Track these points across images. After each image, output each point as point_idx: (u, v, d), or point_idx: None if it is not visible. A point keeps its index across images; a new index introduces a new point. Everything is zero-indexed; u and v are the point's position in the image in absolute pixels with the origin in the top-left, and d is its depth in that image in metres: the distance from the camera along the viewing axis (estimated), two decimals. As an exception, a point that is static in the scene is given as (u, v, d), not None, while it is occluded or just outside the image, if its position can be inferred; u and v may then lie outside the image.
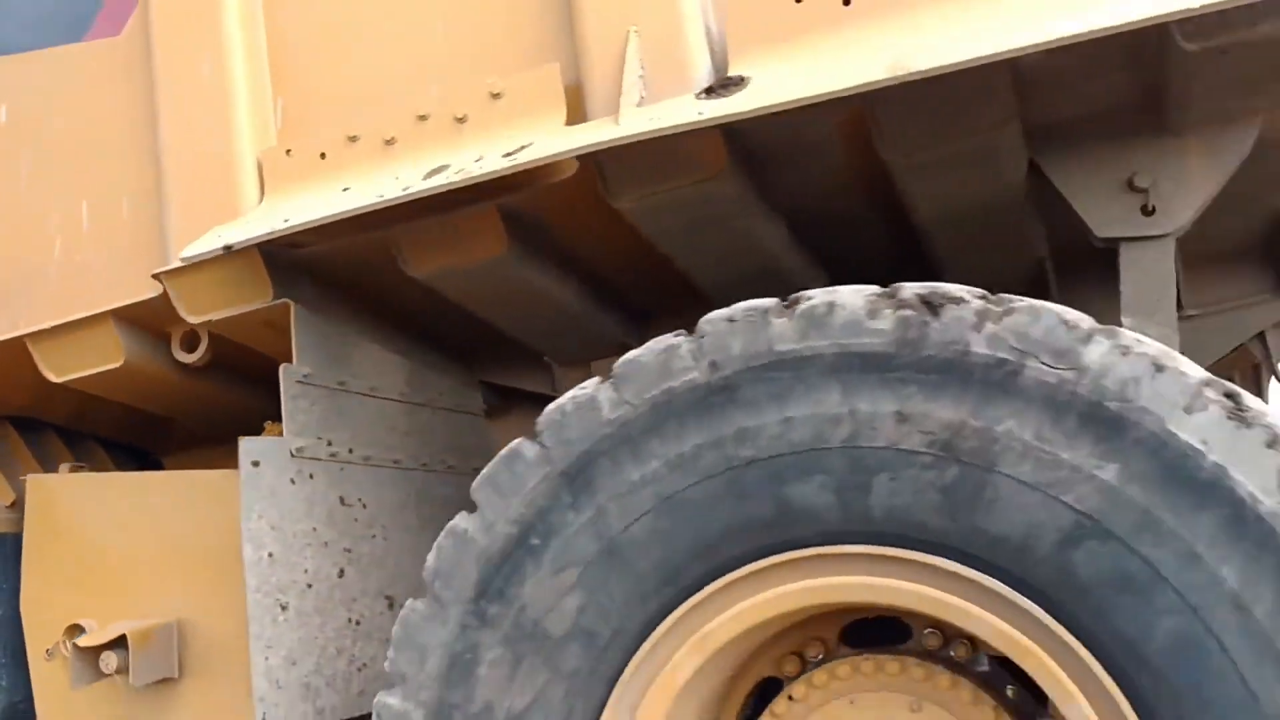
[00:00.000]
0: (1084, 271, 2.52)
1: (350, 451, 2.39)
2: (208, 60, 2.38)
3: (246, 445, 2.13)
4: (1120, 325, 1.69)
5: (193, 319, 2.36)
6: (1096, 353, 1.48)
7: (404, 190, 1.99)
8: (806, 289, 1.67)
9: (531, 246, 2.30)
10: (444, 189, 1.96)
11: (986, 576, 1.53)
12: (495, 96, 2.13)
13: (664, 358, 1.68)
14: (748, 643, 1.78)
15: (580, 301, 2.46)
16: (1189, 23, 1.73)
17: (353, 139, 2.23)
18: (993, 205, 2.20)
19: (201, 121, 2.37)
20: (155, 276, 2.35)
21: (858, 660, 1.84)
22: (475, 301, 2.44)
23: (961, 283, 2.63)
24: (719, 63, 2.01)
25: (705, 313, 1.70)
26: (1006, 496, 1.50)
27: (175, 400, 2.81)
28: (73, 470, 2.95)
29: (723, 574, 1.67)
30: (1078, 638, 1.48)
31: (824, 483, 1.58)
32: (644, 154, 1.99)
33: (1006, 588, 1.52)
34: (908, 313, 1.56)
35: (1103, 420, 1.46)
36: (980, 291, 1.60)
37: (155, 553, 2.62)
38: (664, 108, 1.90)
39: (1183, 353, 2.54)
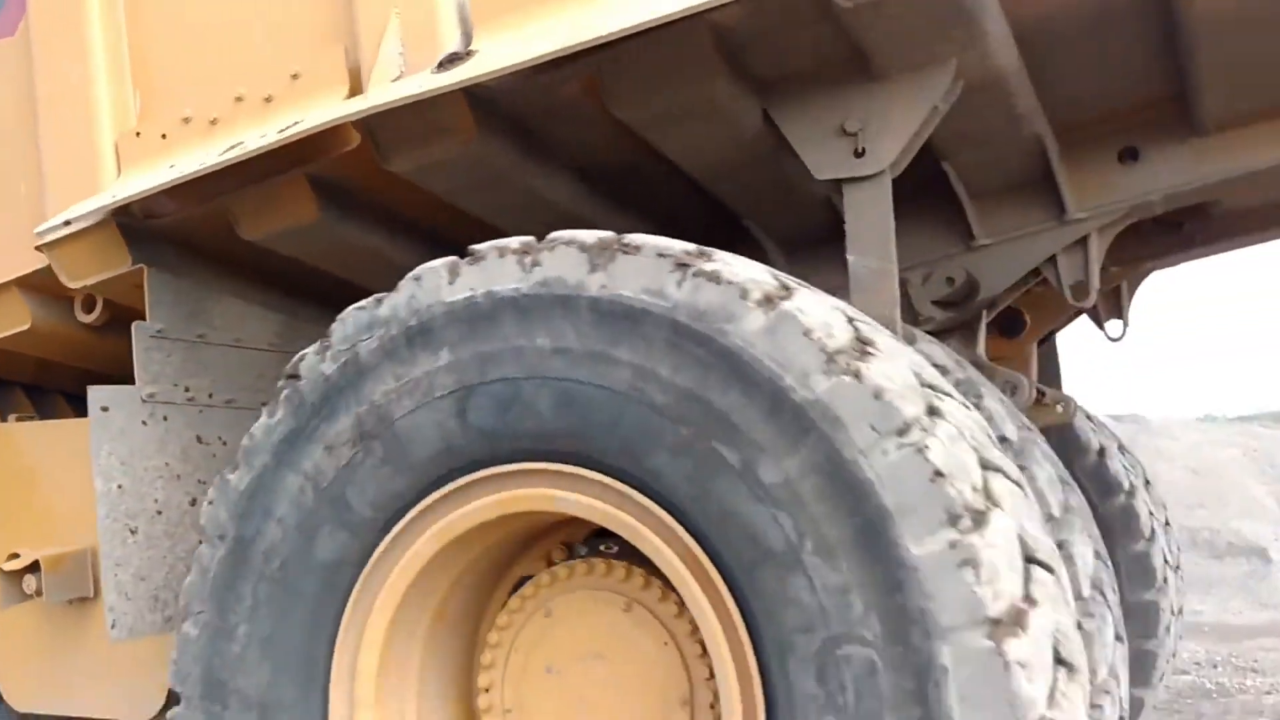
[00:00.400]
0: None
1: (210, 396, 2.74)
2: (75, 58, 2.72)
3: (94, 393, 2.50)
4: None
5: (72, 284, 2.73)
6: (674, 280, 1.71)
7: (200, 165, 2.30)
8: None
9: (346, 208, 2.59)
10: (228, 162, 2.27)
11: (622, 484, 1.79)
12: (295, 77, 2.41)
13: (362, 315, 1.98)
14: (471, 547, 2.05)
15: (406, 254, 2.75)
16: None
17: (186, 120, 2.54)
18: (745, 156, 2.41)
19: (70, 111, 2.72)
20: (37, 248, 2.72)
21: (580, 563, 2.12)
22: (311, 258, 2.75)
23: (763, 230, 2.87)
24: (466, 38, 2.26)
25: None
26: (609, 408, 1.74)
27: (89, 355, 3.20)
28: (18, 420, 3.38)
29: (437, 488, 1.95)
30: (689, 532, 1.73)
31: (491, 411, 1.85)
32: (402, 123, 2.26)
33: (634, 490, 1.77)
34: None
35: (688, 335, 1.69)
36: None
37: (75, 489, 3.02)
38: (406, 82, 2.17)
39: (980, 279, 2.74)
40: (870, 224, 2.24)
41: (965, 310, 2.83)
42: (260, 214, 2.57)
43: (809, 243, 2.93)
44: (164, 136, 2.57)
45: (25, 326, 2.94)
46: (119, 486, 2.50)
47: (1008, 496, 1.65)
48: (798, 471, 1.60)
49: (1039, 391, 3.56)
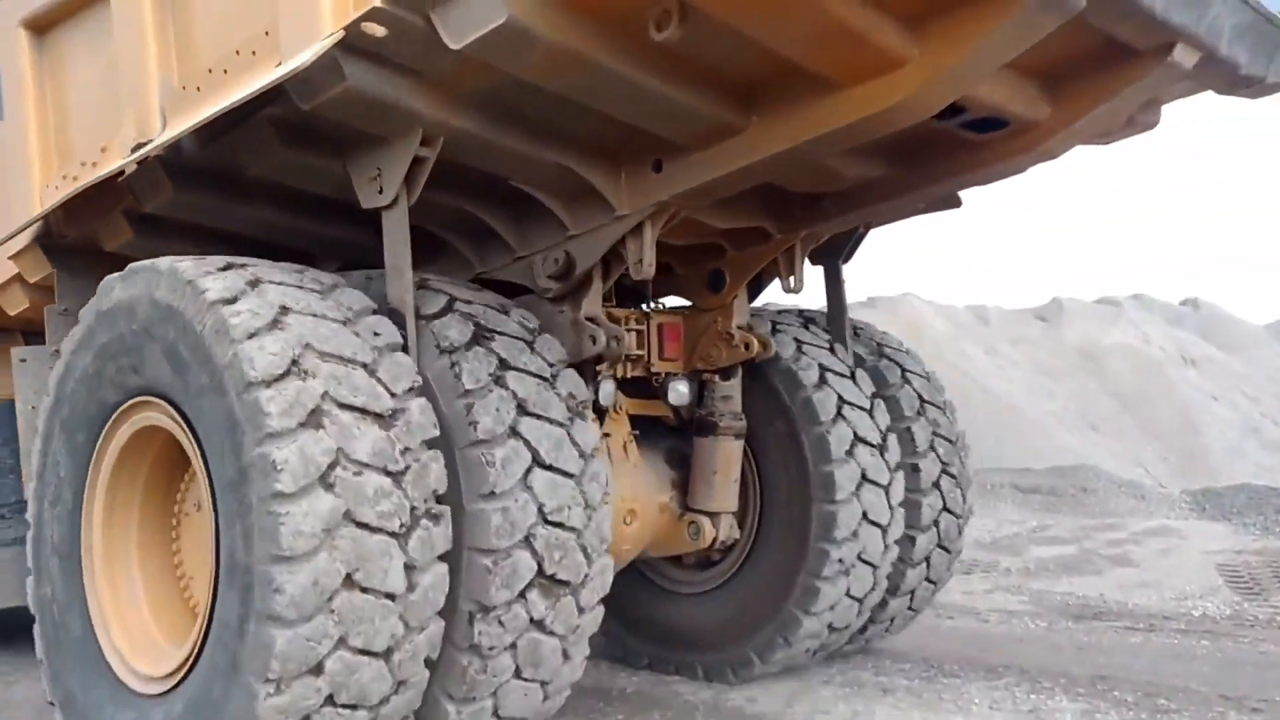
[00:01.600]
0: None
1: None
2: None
3: (15, 351, 4.15)
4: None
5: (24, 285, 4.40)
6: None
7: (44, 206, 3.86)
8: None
9: (154, 229, 4.06)
10: (52, 209, 3.80)
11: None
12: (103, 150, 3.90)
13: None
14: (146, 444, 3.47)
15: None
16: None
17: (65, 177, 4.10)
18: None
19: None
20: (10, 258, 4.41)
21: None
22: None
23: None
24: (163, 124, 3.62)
25: None
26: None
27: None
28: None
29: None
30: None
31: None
32: (136, 181, 3.71)
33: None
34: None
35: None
36: None
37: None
38: (113, 162, 3.60)
39: (576, 259, 3.79)
40: (394, 236, 3.42)
41: (570, 281, 3.90)
42: (108, 238, 4.11)
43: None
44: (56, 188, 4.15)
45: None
46: (33, 408, 4.15)
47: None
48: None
49: (728, 334, 4.52)
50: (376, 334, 3.22)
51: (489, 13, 2.73)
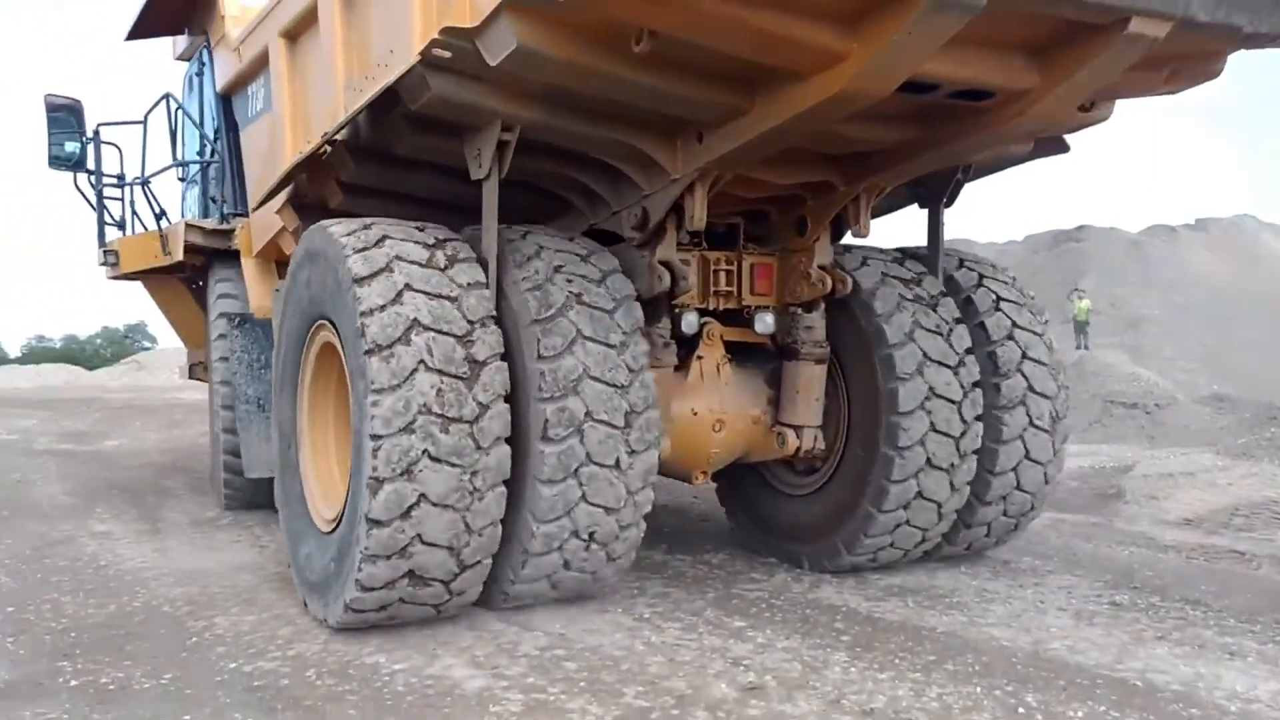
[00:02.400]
0: None
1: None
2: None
3: (277, 285, 5.69)
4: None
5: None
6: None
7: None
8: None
9: (353, 193, 5.40)
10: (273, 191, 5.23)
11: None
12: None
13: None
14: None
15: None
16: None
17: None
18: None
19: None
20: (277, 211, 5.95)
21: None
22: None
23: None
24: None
25: None
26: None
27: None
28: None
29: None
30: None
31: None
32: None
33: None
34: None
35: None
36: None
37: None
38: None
39: (650, 213, 4.79)
40: (488, 201, 4.49)
41: (647, 231, 4.80)
42: (330, 198, 5.50)
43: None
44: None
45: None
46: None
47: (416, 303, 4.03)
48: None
49: (808, 273, 5.23)
50: (465, 276, 4.33)
51: (505, 40, 3.69)
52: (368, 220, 4.51)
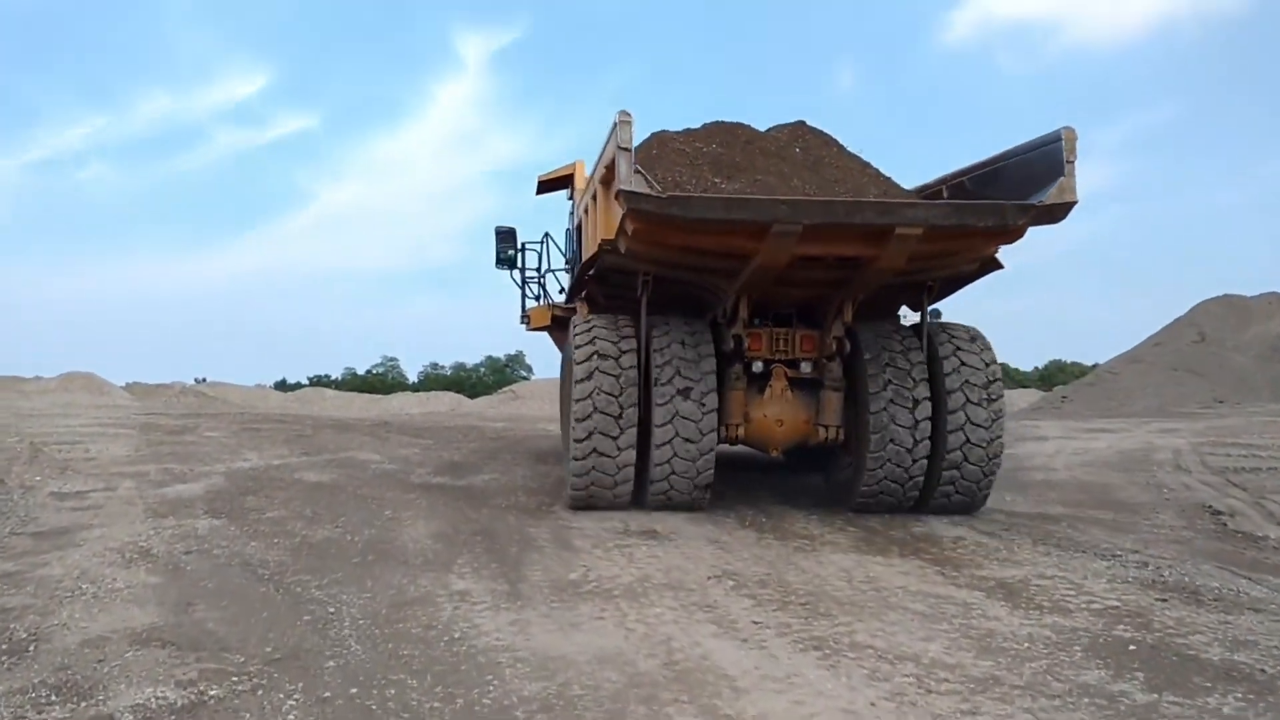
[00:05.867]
0: None
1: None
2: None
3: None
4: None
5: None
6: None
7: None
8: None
9: (611, 297, 10.43)
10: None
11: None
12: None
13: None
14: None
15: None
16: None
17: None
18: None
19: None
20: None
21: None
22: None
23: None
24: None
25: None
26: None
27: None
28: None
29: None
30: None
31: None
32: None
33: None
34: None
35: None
36: None
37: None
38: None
39: (726, 309, 9.63)
40: (641, 307, 9.32)
41: (727, 318, 9.34)
42: (601, 302, 10.61)
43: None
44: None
45: None
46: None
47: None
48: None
49: (829, 341, 9.43)
50: (627, 344, 9.18)
51: (620, 246, 8.53)
52: (591, 316, 9.53)
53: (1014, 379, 79.83)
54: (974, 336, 9.62)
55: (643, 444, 9.10)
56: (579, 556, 7.61)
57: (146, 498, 9.71)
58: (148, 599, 6.20)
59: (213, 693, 4.66)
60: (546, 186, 14.03)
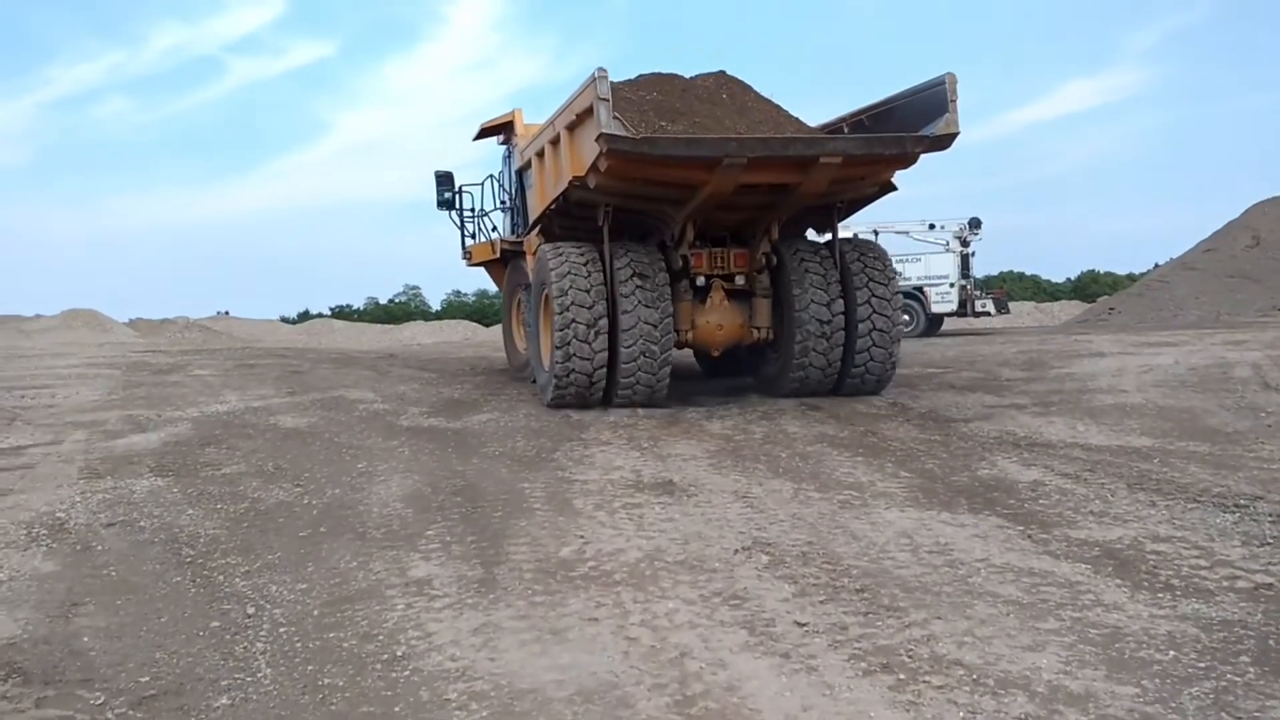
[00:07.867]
0: None
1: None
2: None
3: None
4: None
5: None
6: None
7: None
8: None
9: (568, 229, 12.08)
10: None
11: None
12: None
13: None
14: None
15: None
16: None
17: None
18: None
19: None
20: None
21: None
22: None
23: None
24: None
25: None
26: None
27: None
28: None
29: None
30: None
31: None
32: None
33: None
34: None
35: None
36: None
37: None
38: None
39: (675, 233, 11.42)
40: (604, 235, 11.01)
41: (674, 240, 11.11)
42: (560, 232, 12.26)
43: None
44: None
45: None
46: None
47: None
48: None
49: (760, 255, 11.32)
50: (593, 265, 10.87)
51: (590, 183, 10.19)
52: (559, 244, 11.15)
53: (1046, 290, 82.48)
54: (876, 252, 11.66)
55: (610, 352, 10.84)
56: (576, 522, 6.25)
57: (91, 453, 8.73)
58: (25, 597, 5.02)
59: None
60: (486, 132, 15.45)
